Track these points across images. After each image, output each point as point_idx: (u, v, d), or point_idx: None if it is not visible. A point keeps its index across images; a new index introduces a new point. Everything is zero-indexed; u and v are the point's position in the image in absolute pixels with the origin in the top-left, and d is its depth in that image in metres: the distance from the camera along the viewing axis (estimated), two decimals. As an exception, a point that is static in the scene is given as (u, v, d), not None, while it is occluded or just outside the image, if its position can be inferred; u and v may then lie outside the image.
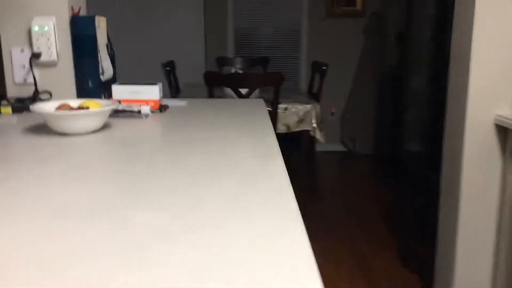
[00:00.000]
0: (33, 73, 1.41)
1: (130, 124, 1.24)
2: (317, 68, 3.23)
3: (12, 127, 1.19)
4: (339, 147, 4.69)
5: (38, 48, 1.41)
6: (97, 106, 1.15)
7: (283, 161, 0.90)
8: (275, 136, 1.11)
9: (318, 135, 2.71)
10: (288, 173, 3.84)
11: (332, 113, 4.62)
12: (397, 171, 3.40)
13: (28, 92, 1.45)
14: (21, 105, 1.37)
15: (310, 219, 2.94)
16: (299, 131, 2.72)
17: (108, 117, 1.28)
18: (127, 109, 1.41)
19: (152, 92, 1.44)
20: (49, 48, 1.40)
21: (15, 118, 1.28)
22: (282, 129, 2.71)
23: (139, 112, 1.40)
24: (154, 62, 4.37)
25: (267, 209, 0.62)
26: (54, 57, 1.42)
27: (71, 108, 1.13)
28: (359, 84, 4.52)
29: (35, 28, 1.39)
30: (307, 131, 2.74)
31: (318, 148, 4.64)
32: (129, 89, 1.43)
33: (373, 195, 3.37)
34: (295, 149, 2.88)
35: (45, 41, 1.40)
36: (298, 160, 2.82)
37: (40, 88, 1.46)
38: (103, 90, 1.48)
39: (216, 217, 0.59)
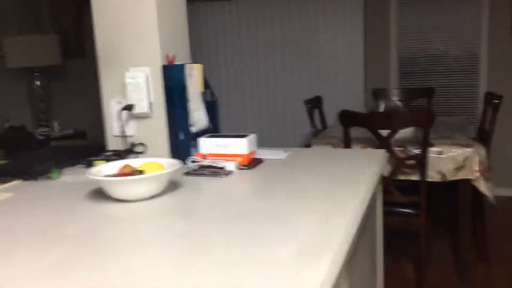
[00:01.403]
0: (123, 126, 1.38)
1: (204, 186, 1.13)
2: (490, 101, 2.67)
3: (85, 185, 1.16)
4: (530, 193, 3.84)
5: (132, 100, 1.38)
6: (157, 169, 1.03)
7: (336, 267, 0.63)
8: (356, 214, 0.84)
9: (483, 187, 2.18)
10: (445, 228, 3.26)
11: (520, 152, 3.82)
12: None
13: (127, 144, 1.43)
14: (116, 158, 1.34)
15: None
16: (459, 180, 2.24)
17: (172, 178, 1.18)
18: (213, 165, 1.28)
19: (240, 146, 1.28)
20: (142, 100, 1.37)
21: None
22: (435, 177, 2.27)
23: (224, 168, 1.26)
24: (301, 98, 4.25)
25: None
26: (146, 109, 1.38)
27: (131, 171, 1.03)
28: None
29: (128, 80, 1.36)
30: (469, 180, 2.24)
31: (499, 192, 3.87)
32: (216, 143, 1.31)
33: None
34: (456, 197, 2.38)
35: (137, 93, 1.36)
36: (461, 209, 2.32)
37: (136, 140, 1.43)
38: (194, 143, 1.37)
39: None
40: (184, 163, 1.31)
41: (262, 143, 4.40)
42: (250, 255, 0.68)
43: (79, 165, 1.41)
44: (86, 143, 3.92)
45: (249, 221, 0.84)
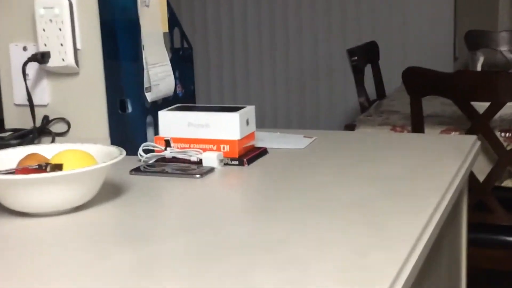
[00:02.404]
0: (30, 89, 1.40)
1: (164, 192, 1.17)
2: None
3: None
4: None
5: (46, 45, 1.39)
6: (83, 162, 1.06)
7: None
8: (413, 247, 0.88)
9: None
10: None
11: None
12: None
13: (38, 119, 1.46)
14: (17, 143, 1.37)
15: None
16: None
17: (110, 177, 1.21)
18: (181, 157, 1.30)
19: (228, 125, 1.31)
20: (62, 45, 1.38)
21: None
22: None
23: (199, 163, 1.29)
24: (343, 47, 4.23)
25: None
26: (70, 59, 1.41)
27: (42, 166, 1.05)
28: None
29: (40, 12, 1.39)
30: None
31: None
32: (188, 119, 1.33)
33: None
34: None
35: (55, 32, 1.38)
36: None
37: (53, 113, 1.45)
38: (151, 119, 1.40)
39: None
40: (133, 153, 1.33)
41: (277, 122, 4.40)
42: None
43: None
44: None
45: (231, 256, 0.85)
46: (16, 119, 1.49)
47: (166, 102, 1.45)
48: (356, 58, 2.97)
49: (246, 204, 1.09)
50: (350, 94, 4.11)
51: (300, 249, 0.87)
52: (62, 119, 1.45)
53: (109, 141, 1.40)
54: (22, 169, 1.05)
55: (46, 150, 1.14)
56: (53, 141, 1.42)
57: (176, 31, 1.51)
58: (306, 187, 1.14)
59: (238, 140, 1.30)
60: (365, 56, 3.11)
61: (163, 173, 1.25)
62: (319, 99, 4.35)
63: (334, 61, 4.27)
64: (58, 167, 1.04)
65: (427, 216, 0.98)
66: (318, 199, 1.07)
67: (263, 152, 1.37)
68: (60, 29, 1.39)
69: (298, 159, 1.33)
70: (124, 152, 1.10)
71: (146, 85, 1.38)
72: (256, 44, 4.43)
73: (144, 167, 1.27)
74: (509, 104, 2.35)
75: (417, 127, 2.30)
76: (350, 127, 2.53)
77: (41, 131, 1.43)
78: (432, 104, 2.68)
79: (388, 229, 0.93)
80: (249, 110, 1.34)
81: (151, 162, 1.30)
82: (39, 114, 1.46)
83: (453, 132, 2.35)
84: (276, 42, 4.38)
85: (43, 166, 1.04)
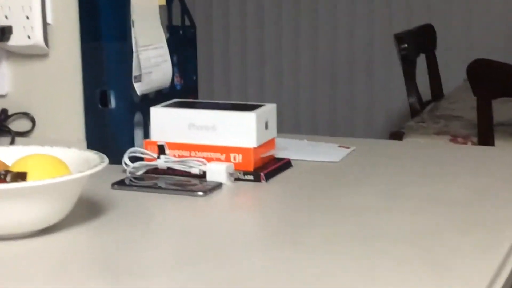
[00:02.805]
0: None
1: (155, 213, 1.18)
2: None
3: None
4: None
5: (7, 17, 1.41)
6: (53, 171, 1.06)
7: None
8: None
9: None
10: None
11: None
12: None
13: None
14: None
15: None
16: None
17: (87, 191, 1.21)
18: (178, 168, 1.30)
19: (242, 129, 1.31)
20: (27, 17, 1.39)
21: None
22: None
23: (203, 176, 1.28)
24: (388, 32, 4.24)
25: None
26: (37, 37, 1.41)
27: (0, 174, 1.06)
28: None
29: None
30: None
31: None
32: (189, 119, 1.33)
33: None
34: None
35: (20, 1, 1.40)
36: None
37: (13, 106, 1.47)
38: (141, 117, 1.40)
39: None
40: (116, 162, 1.33)
41: (299, 126, 4.38)
42: None
43: None
44: None
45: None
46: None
47: (160, 96, 1.45)
48: (406, 45, 2.96)
49: (262, 231, 1.10)
50: (396, 93, 4.10)
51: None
52: (26, 114, 1.46)
53: (85, 144, 1.41)
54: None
55: (4, 153, 1.15)
56: (13, 142, 1.43)
57: (176, 4, 1.52)
58: (342, 212, 1.15)
59: (254, 148, 1.30)
60: (417, 43, 3.11)
61: (154, 188, 1.25)
62: (355, 97, 4.33)
63: (375, 49, 4.27)
64: (21, 176, 1.04)
65: (503, 254, 0.97)
66: (357, 228, 1.07)
67: (286, 164, 1.37)
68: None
69: (331, 175, 1.34)
70: (106, 160, 1.10)
71: (135, 73, 1.39)
72: (274, 25, 4.42)
73: (130, 180, 1.28)
74: None
75: (486, 138, 2.30)
76: (397, 135, 2.53)
77: (-4, 129, 1.44)
78: (505, 109, 2.67)
79: (451, 270, 0.92)
80: (269, 110, 1.35)
81: (139, 173, 1.31)
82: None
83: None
84: (300, 23, 4.38)
85: (2, 175, 1.04)
